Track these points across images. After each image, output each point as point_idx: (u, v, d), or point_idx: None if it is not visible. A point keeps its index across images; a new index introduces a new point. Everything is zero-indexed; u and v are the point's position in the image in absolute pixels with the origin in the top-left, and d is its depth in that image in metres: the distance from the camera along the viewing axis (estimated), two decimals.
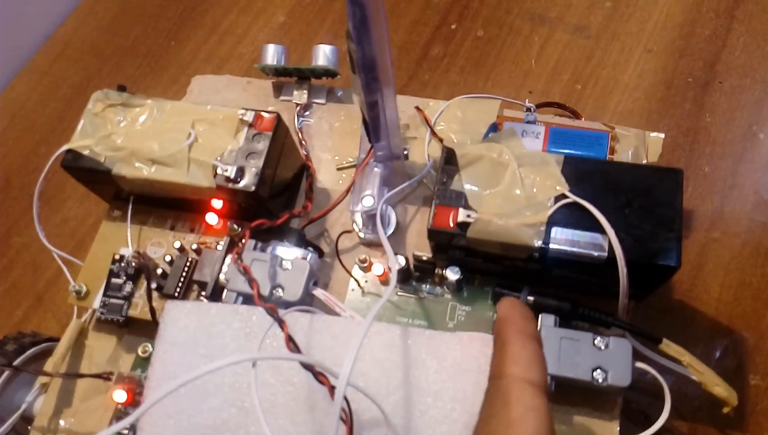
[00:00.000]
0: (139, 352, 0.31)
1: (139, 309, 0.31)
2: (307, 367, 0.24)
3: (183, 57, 0.51)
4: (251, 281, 0.26)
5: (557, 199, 0.27)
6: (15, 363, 0.33)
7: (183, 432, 0.26)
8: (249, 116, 0.31)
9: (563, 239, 0.26)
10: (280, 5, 0.52)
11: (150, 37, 0.53)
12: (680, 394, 0.34)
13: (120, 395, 0.29)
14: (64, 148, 0.32)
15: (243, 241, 0.28)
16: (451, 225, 0.28)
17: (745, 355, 0.36)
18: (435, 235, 0.28)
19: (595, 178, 0.27)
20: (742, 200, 0.40)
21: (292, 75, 0.38)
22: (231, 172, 0.29)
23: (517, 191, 0.27)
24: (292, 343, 0.25)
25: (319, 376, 0.24)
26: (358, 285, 0.32)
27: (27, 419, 0.34)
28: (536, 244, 0.26)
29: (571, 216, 0.27)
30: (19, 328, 0.42)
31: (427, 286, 0.31)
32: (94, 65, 0.53)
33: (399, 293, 0.32)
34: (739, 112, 0.43)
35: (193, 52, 0.51)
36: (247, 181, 0.30)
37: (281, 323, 0.25)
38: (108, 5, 0.56)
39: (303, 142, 0.37)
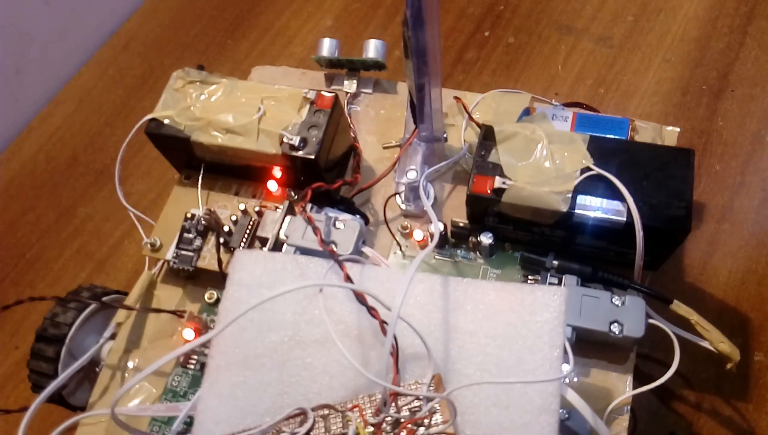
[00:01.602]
0: (206, 298, 0.35)
1: (206, 261, 0.35)
2: (362, 300, 0.28)
3: (238, 54, 0.56)
4: (315, 229, 0.30)
5: (582, 171, 0.31)
6: (88, 309, 0.37)
7: (248, 359, 0.30)
8: (311, 95, 0.35)
9: (587, 205, 0.30)
10: (328, 10, 0.57)
11: (208, 35, 0.58)
12: (689, 366, 0.37)
13: (189, 333, 0.33)
14: (148, 117, 0.36)
15: (305, 198, 0.32)
16: (488, 191, 0.31)
17: (750, 334, 0.39)
18: (473, 201, 0.32)
19: (616, 155, 0.31)
20: (750, 196, 0.43)
21: (343, 66, 0.43)
22: (295, 141, 0.34)
23: (546, 164, 0.31)
24: (349, 280, 0.29)
25: (371, 310, 0.28)
26: (400, 248, 0.36)
27: (95, 363, 0.37)
28: (563, 209, 0.30)
29: (594, 186, 0.30)
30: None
31: (462, 252, 0.35)
32: (156, 58, 0.58)
33: (436, 257, 0.35)
34: (749, 117, 0.46)
35: (247, 49, 0.56)
36: (308, 150, 0.34)
37: (340, 264, 0.29)
38: (170, 5, 0.61)
39: (351, 125, 0.41)
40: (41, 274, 0.49)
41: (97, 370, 0.37)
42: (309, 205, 0.34)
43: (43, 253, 0.49)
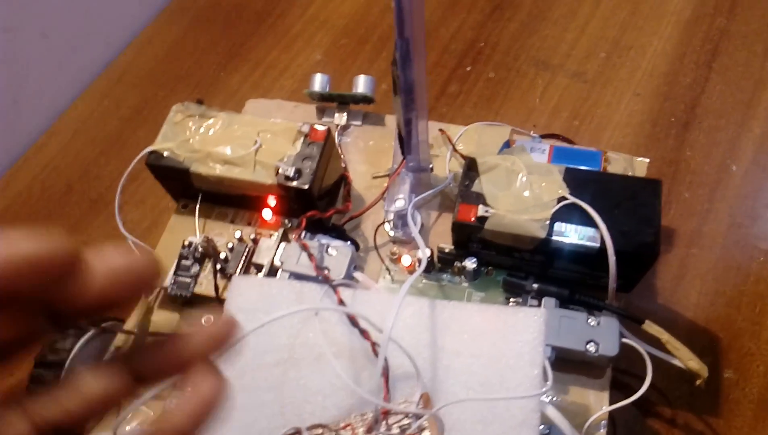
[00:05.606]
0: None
1: (203, 287, 0.37)
2: (355, 322, 0.29)
3: (230, 86, 0.58)
4: (310, 255, 0.32)
5: (559, 200, 0.33)
6: (87, 335, 0.38)
7: (245, 381, 0.31)
8: (305, 128, 0.37)
9: (563, 232, 0.32)
10: (318, 45, 0.60)
11: (201, 67, 0.60)
12: (664, 383, 0.39)
13: None
14: (148, 149, 0.38)
15: (300, 226, 0.34)
16: (472, 219, 0.34)
17: (719, 353, 0.41)
18: (458, 228, 0.34)
19: (590, 185, 0.34)
20: (717, 222, 0.46)
21: (334, 100, 0.45)
22: (290, 172, 0.36)
23: (526, 193, 0.34)
24: (342, 304, 0.30)
25: (363, 333, 0.30)
26: (389, 273, 0.38)
27: None
28: (542, 236, 0.32)
29: (570, 214, 0.33)
30: None
31: (448, 276, 0.37)
32: (150, 90, 0.60)
33: (423, 281, 0.37)
34: (715, 148, 0.50)
35: (239, 82, 0.59)
36: (303, 180, 0.36)
37: (335, 288, 0.31)
38: (164, 38, 0.63)
39: (342, 156, 0.43)
40: None
41: None
42: (303, 232, 0.36)
43: None
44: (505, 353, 0.29)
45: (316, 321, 0.31)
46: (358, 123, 0.45)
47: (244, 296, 0.33)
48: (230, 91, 0.58)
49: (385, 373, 0.30)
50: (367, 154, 0.44)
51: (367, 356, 0.31)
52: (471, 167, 0.35)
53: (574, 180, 0.34)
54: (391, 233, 0.39)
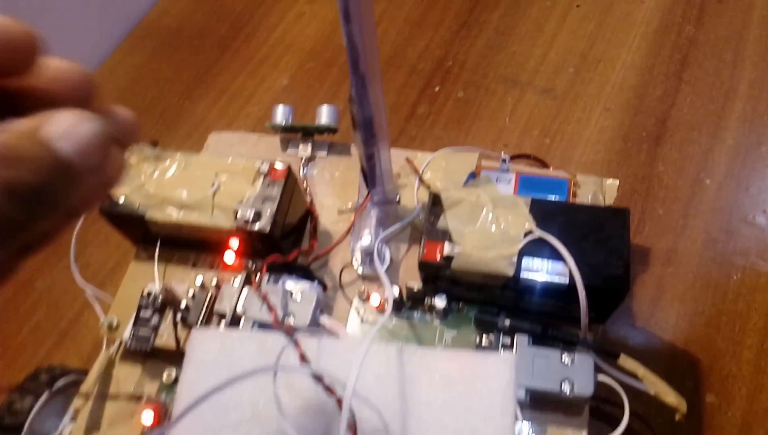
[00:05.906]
0: (164, 379, 0.35)
1: (164, 339, 0.35)
2: (318, 379, 0.28)
3: (196, 115, 0.57)
4: (270, 307, 0.31)
5: (526, 234, 0.32)
6: (45, 396, 0.36)
7: None
8: (264, 167, 0.36)
9: (532, 268, 0.31)
10: (284, 70, 0.59)
11: (165, 97, 0.59)
12: (646, 410, 0.38)
13: (148, 417, 0.33)
14: None
15: (260, 274, 0.33)
16: (438, 258, 0.32)
17: (701, 376, 0.40)
18: (425, 267, 0.33)
19: (557, 217, 0.33)
20: (693, 238, 0.45)
21: (298, 131, 0.44)
22: (249, 214, 0.34)
23: (492, 228, 0.33)
24: (304, 360, 0.29)
25: (328, 389, 0.29)
26: (358, 314, 0.37)
27: None
28: (510, 274, 0.31)
29: (538, 248, 0.32)
30: (43, 365, 0.45)
31: (418, 314, 0.36)
32: None
33: (394, 321, 0.36)
34: (688, 161, 0.49)
35: (205, 111, 0.57)
36: (262, 224, 0.35)
37: (296, 343, 0.29)
38: (126, 69, 0.62)
39: (307, 190, 0.42)
40: None
41: None
42: (266, 277, 0.35)
43: (1, 331, 0.48)
44: (475, 403, 0.28)
45: (279, 376, 0.30)
46: (324, 154, 0.44)
47: (205, 350, 0.32)
48: (195, 121, 0.57)
49: (353, 429, 0.28)
50: (333, 187, 0.43)
51: (335, 410, 0.30)
52: (435, 203, 0.34)
53: (540, 212, 0.33)
54: (360, 271, 0.38)
